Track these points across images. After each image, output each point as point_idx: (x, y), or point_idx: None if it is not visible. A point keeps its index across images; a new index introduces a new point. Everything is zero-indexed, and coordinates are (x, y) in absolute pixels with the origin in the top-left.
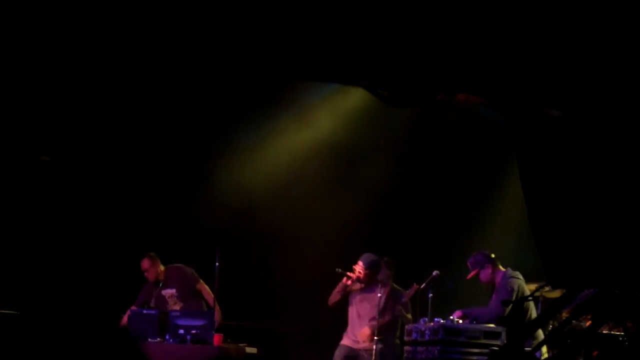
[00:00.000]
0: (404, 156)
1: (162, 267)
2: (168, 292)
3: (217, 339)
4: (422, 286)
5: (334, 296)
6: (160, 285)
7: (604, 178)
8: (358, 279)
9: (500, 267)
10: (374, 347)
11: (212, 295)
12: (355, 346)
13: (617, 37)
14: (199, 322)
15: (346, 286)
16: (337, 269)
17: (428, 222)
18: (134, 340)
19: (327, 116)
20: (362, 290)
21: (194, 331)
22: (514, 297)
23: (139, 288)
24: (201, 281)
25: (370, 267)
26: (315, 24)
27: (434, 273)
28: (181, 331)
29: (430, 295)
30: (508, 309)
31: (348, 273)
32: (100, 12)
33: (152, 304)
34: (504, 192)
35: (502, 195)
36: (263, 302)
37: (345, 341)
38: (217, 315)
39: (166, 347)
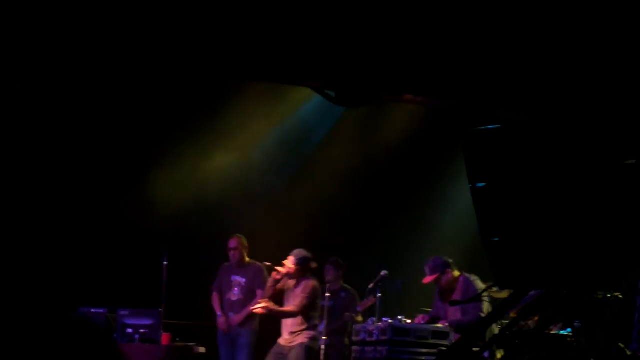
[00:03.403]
0: (352, 154)
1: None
2: (237, 279)
3: (165, 338)
4: (370, 286)
5: (267, 291)
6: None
7: (552, 180)
8: (288, 274)
9: (457, 272)
10: (297, 342)
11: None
12: (283, 343)
13: (561, 39)
14: (147, 322)
15: (277, 281)
16: (264, 263)
17: (376, 222)
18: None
19: (275, 115)
20: (294, 287)
21: (142, 330)
22: None
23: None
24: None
25: (300, 263)
26: (261, 24)
27: (383, 273)
28: (129, 330)
29: (379, 295)
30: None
31: (277, 267)
32: (31, 9)
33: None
34: (452, 194)
35: (450, 197)
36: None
37: (280, 339)
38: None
39: None
